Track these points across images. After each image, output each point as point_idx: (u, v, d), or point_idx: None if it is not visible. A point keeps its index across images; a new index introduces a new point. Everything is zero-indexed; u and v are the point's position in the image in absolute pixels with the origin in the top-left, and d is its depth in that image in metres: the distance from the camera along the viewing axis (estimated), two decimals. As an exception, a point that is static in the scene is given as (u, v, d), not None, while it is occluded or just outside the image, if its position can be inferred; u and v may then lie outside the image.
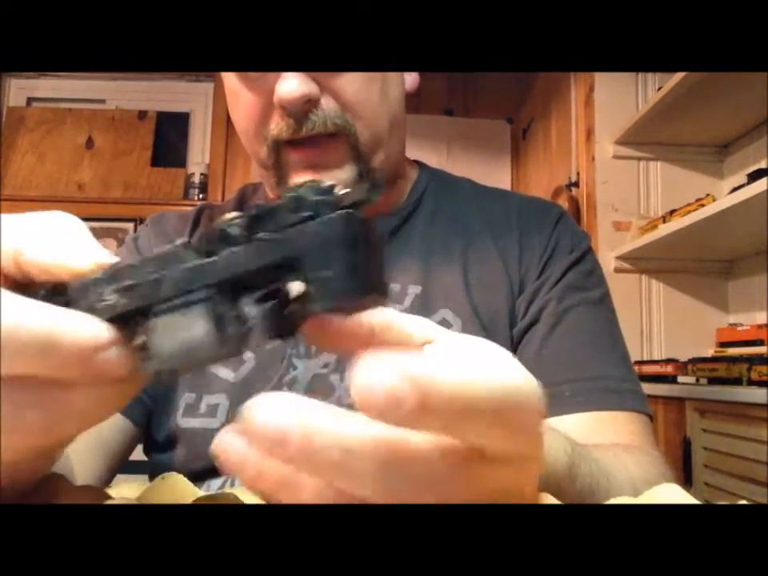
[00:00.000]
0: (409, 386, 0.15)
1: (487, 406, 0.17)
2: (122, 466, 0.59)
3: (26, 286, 0.23)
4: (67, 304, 0.21)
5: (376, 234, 0.19)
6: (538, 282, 0.58)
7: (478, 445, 0.18)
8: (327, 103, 0.51)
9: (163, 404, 0.57)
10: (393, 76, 0.56)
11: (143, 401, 0.57)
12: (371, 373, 0.16)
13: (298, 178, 0.53)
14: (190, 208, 0.69)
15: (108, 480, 0.58)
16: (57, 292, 0.22)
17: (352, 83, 0.51)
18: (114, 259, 0.22)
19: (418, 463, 0.18)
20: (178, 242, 0.20)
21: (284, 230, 0.18)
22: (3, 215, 0.24)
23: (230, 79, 0.55)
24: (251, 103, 0.53)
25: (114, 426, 0.55)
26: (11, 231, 0.22)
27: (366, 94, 0.52)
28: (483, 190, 0.68)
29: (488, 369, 0.17)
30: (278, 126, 0.52)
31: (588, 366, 0.54)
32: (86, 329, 0.20)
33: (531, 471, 0.22)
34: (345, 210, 0.18)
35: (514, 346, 0.57)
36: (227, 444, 0.19)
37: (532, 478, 0.22)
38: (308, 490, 0.19)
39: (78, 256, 0.21)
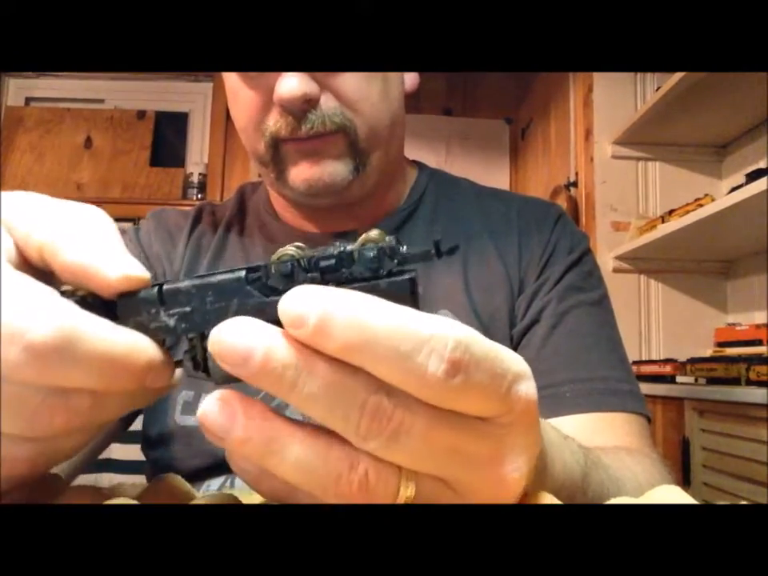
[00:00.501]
0: (314, 309, 0.18)
1: (385, 339, 0.18)
2: (93, 460, 0.59)
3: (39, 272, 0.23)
4: (108, 317, 0.21)
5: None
6: (538, 283, 0.59)
7: (386, 380, 0.18)
8: (327, 102, 0.51)
9: (157, 401, 0.57)
10: (393, 75, 0.56)
11: None
12: (292, 297, 0.18)
13: (297, 170, 0.53)
14: (188, 208, 0.68)
15: (75, 474, 0.58)
16: (90, 302, 0.21)
17: (352, 81, 0.51)
18: (146, 274, 0.22)
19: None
20: (237, 271, 0.20)
21: (353, 282, 0.20)
22: (40, 195, 0.24)
23: (230, 77, 0.55)
24: (251, 100, 0.53)
25: None
26: (45, 223, 0.22)
27: (366, 91, 0.52)
28: (483, 191, 0.68)
29: (403, 311, 0.18)
30: (276, 123, 0.52)
31: (587, 367, 0.54)
32: (146, 351, 0.20)
33: (513, 440, 0.21)
34: (410, 275, 0.20)
35: (513, 346, 0.57)
36: (214, 407, 0.19)
37: (520, 449, 0.21)
38: (293, 455, 0.19)
39: (112, 267, 0.21)
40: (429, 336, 0.18)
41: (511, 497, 0.22)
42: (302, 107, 0.50)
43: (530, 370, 0.21)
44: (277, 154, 0.54)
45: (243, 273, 0.20)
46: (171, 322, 0.21)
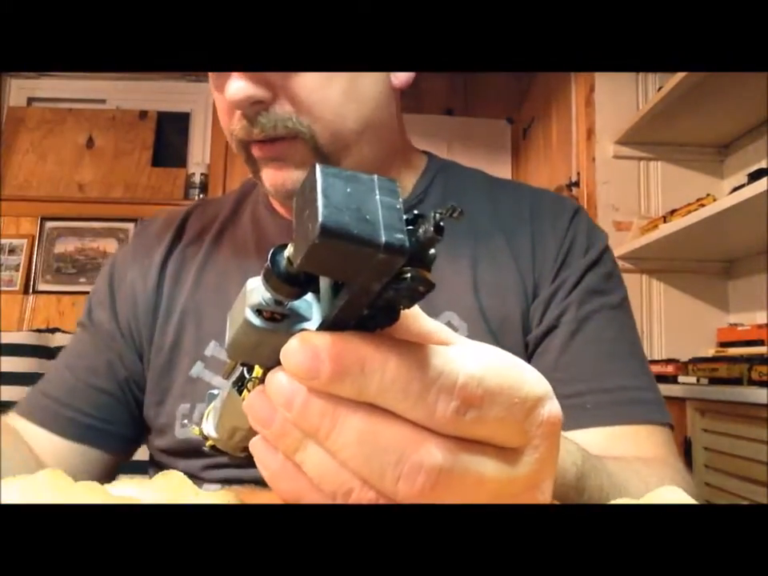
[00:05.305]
0: (322, 360, 0.18)
1: (394, 384, 0.18)
2: None
3: None
4: None
5: None
6: (554, 285, 0.56)
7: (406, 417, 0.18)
8: (281, 106, 0.50)
9: (156, 418, 0.57)
10: (367, 74, 0.53)
11: (115, 432, 0.58)
12: (294, 350, 0.19)
13: (265, 174, 0.53)
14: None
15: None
16: None
17: (307, 84, 0.50)
18: None
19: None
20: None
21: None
22: None
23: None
24: (221, 104, 0.54)
25: (77, 459, 0.56)
26: None
27: (324, 95, 0.50)
28: (496, 182, 0.65)
29: (413, 350, 0.18)
30: (236, 125, 0.52)
31: (609, 376, 0.52)
32: None
33: (541, 466, 0.21)
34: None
35: (529, 353, 0.55)
36: (257, 402, 0.20)
37: (548, 471, 0.22)
38: (318, 455, 0.19)
39: None
40: (437, 375, 0.18)
41: None
42: (252, 110, 0.50)
43: (551, 389, 0.21)
44: (249, 157, 0.54)
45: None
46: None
